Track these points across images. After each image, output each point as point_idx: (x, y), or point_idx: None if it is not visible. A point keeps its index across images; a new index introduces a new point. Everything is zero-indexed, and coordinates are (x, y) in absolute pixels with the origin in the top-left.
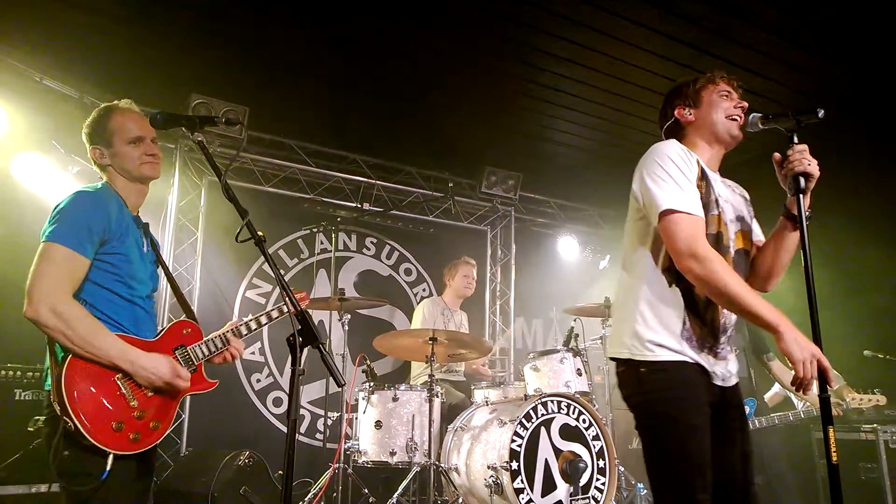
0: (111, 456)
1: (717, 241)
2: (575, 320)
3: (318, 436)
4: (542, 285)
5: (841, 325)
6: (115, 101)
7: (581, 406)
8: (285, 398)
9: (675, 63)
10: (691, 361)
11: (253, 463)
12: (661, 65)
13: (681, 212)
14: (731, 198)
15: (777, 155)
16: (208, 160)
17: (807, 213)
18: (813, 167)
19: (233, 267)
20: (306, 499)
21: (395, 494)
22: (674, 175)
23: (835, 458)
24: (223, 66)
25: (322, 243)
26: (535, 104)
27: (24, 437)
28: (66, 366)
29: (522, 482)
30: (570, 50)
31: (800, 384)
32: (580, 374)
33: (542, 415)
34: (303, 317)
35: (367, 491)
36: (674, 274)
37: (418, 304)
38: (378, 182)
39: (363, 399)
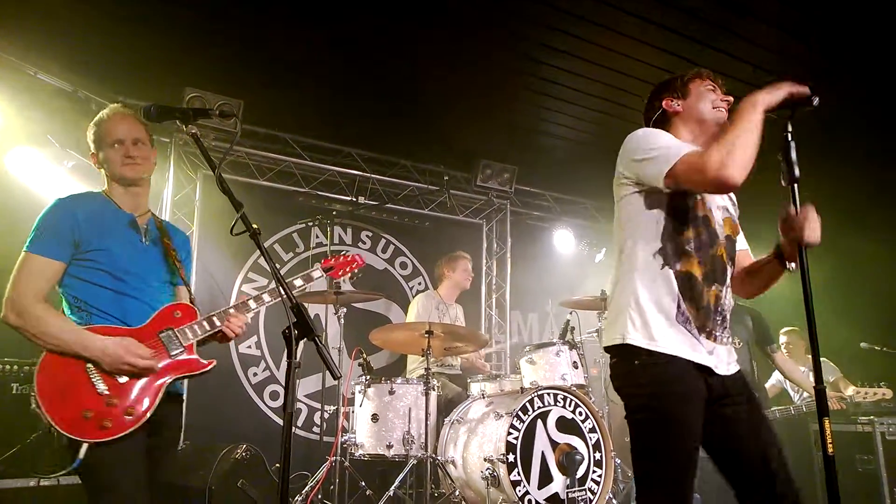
0: (85, 445)
1: (706, 223)
2: (571, 313)
3: (315, 429)
4: (538, 279)
5: (837, 318)
6: (110, 105)
7: (577, 399)
8: (282, 392)
9: (674, 56)
10: (684, 358)
11: (250, 456)
12: (659, 58)
13: (679, 161)
14: None
15: (788, 214)
16: (202, 153)
17: (790, 267)
18: (818, 236)
19: (228, 261)
20: (303, 492)
21: (392, 487)
22: (657, 145)
23: (830, 450)
24: (218, 60)
25: (317, 237)
26: (531, 97)
27: (22, 431)
28: (41, 362)
29: (519, 475)
30: (567, 42)
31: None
32: (576, 367)
33: (539, 407)
34: (298, 310)
35: (363, 484)
36: (665, 256)
37: (413, 298)
38: (373, 176)
39: (359, 392)
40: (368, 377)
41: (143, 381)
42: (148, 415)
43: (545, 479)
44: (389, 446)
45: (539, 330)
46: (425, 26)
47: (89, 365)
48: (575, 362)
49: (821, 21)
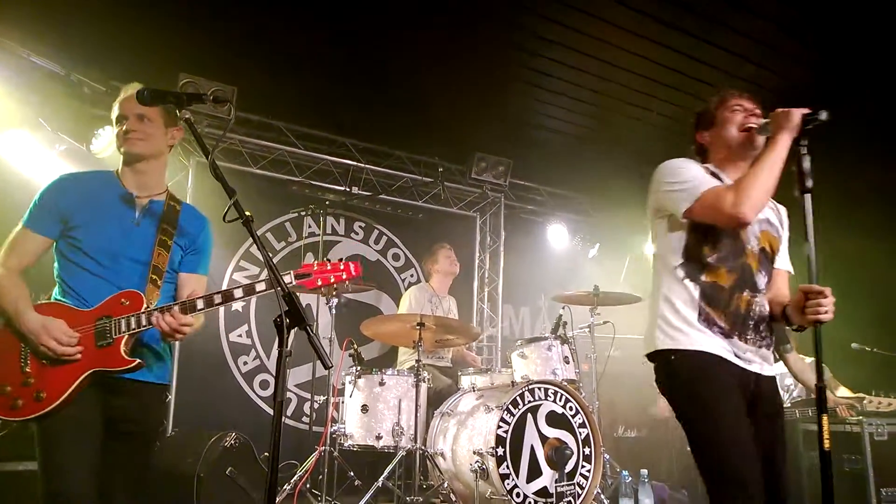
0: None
1: (733, 236)
2: (563, 308)
3: (305, 419)
4: (531, 273)
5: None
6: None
7: (568, 393)
8: (272, 381)
9: (669, 49)
10: (714, 353)
11: (239, 444)
12: (654, 51)
13: (697, 200)
14: None
15: (807, 293)
16: (196, 138)
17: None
18: (831, 315)
19: (220, 249)
20: (292, 480)
21: (381, 478)
22: (680, 179)
23: (827, 446)
24: (211, 46)
25: (310, 227)
26: (527, 89)
27: None
28: None
29: (508, 468)
30: (563, 35)
31: None
32: (568, 362)
33: (529, 401)
34: (290, 298)
35: (352, 474)
36: (685, 269)
37: (406, 290)
38: (367, 166)
39: (350, 383)
40: (359, 368)
41: (61, 365)
42: (56, 403)
43: (534, 472)
44: (379, 437)
45: (531, 324)
46: (421, 17)
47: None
48: (566, 357)
49: (817, 17)
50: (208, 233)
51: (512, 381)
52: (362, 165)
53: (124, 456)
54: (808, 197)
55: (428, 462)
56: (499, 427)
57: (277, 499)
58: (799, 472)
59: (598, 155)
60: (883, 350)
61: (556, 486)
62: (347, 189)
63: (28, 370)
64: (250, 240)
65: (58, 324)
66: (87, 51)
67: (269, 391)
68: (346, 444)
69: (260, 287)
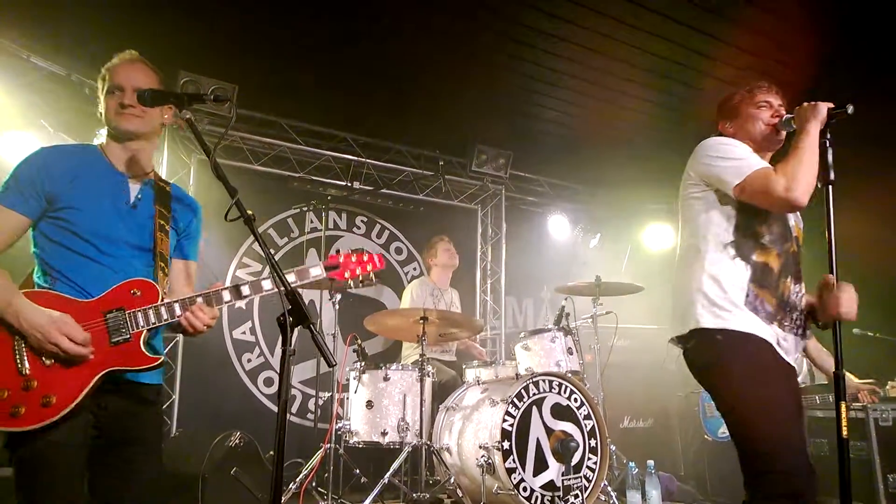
0: None
1: (781, 220)
2: (566, 299)
3: (310, 416)
4: (533, 264)
5: None
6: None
7: (572, 385)
8: (276, 378)
9: (667, 41)
10: (764, 337)
11: (244, 444)
12: (652, 42)
13: (747, 178)
14: None
15: (827, 288)
16: (197, 138)
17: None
18: (854, 313)
19: (223, 246)
20: (297, 479)
21: (387, 475)
22: (730, 155)
23: (845, 433)
24: (212, 44)
25: (312, 222)
26: (526, 82)
27: None
28: None
29: (514, 462)
30: (562, 27)
31: None
32: (571, 354)
33: (534, 394)
34: (293, 296)
35: (358, 471)
36: (737, 248)
37: (408, 284)
38: (368, 161)
39: (354, 379)
40: (363, 363)
41: (72, 366)
42: (68, 408)
43: (540, 466)
44: (384, 433)
45: (534, 315)
46: (421, 11)
47: (18, 337)
48: (570, 348)
49: (816, 9)
50: (200, 216)
51: (516, 374)
52: (363, 160)
53: (127, 465)
54: (830, 189)
55: (434, 457)
56: (504, 420)
57: (283, 498)
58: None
59: (598, 145)
60: (885, 335)
61: (562, 480)
62: (349, 184)
63: (28, 372)
64: (253, 237)
65: (67, 319)
66: (88, 51)
67: (274, 388)
68: (351, 441)
69: (266, 286)
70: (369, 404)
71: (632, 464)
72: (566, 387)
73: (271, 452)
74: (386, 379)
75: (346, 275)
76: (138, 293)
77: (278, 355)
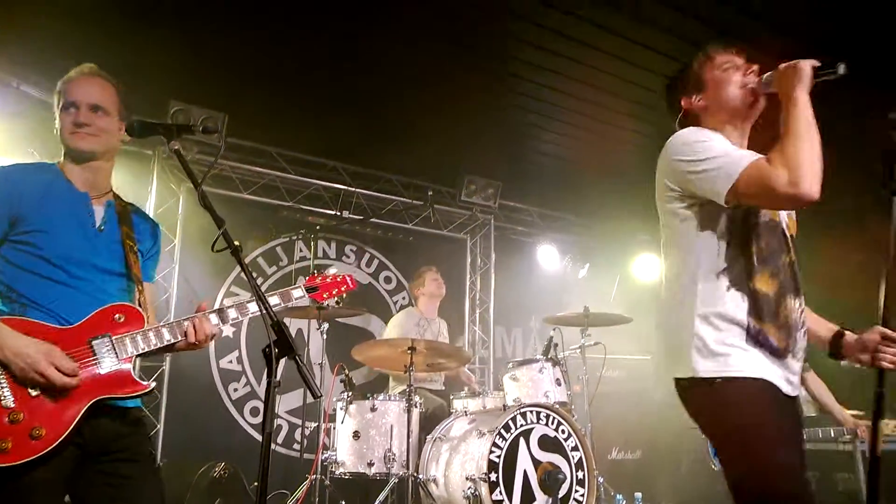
0: None
1: (773, 228)
2: (554, 329)
3: (296, 446)
4: (522, 294)
5: (819, 313)
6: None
7: (560, 416)
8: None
9: (654, 74)
10: (769, 380)
11: (228, 474)
12: (640, 75)
13: (739, 179)
14: None
15: (887, 336)
16: (185, 170)
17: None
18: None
19: (211, 275)
20: None
21: None
22: (708, 155)
23: (878, 451)
24: (203, 74)
25: (301, 251)
26: (516, 113)
27: None
28: None
29: (501, 494)
30: (551, 60)
31: None
32: (559, 384)
33: (521, 425)
34: (279, 327)
35: (344, 503)
36: (730, 276)
37: (396, 313)
38: (357, 190)
39: (341, 409)
40: (350, 394)
41: (60, 396)
42: (58, 440)
43: (527, 498)
44: (371, 464)
45: (523, 346)
46: (411, 42)
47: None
48: (558, 379)
49: (815, 24)
50: (160, 235)
51: (504, 405)
52: (352, 189)
53: (127, 482)
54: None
55: (420, 489)
56: (491, 452)
57: None
58: None
59: (587, 176)
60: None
61: None
62: (338, 213)
63: (10, 403)
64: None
65: (53, 348)
66: None
67: (260, 418)
68: (337, 472)
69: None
70: (356, 435)
71: (619, 496)
72: (554, 418)
73: (256, 483)
74: (373, 409)
75: (325, 295)
76: (122, 318)
77: (265, 385)
